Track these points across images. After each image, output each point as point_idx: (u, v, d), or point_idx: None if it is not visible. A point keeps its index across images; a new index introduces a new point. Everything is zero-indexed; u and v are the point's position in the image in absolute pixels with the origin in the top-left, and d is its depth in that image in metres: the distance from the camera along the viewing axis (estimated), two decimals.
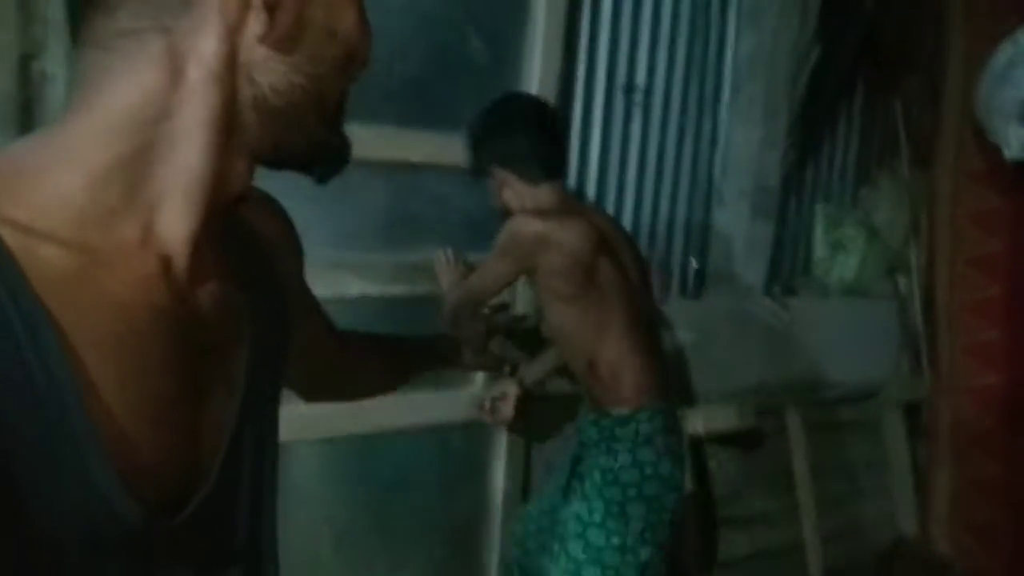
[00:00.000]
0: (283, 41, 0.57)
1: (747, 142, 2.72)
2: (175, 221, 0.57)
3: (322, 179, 0.66)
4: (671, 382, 1.99)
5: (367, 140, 1.93)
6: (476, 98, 2.06)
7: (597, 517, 1.76)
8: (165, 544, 0.55)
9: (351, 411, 2.04)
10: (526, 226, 1.78)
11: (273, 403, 0.71)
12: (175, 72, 0.55)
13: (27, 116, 1.62)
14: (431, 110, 2.05)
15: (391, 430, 2.13)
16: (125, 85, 0.54)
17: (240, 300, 0.65)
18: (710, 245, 2.82)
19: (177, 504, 0.56)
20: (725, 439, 2.64)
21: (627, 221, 2.62)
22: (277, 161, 0.62)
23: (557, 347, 1.97)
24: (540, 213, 1.80)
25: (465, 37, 2.08)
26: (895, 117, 3.23)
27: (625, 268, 1.86)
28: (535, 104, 1.95)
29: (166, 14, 0.54)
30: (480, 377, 2.26)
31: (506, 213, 1.91)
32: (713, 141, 2.78)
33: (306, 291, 0.88)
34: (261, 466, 0.66)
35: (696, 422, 2.56)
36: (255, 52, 0.57)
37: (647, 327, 1.90)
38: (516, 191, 1.84)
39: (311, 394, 1.02)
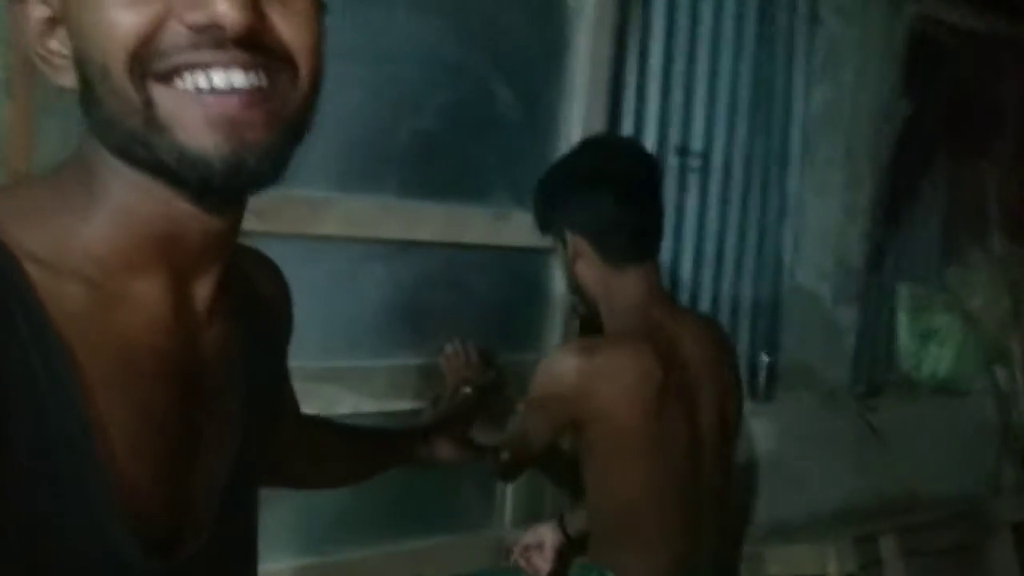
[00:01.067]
0: (72, 65, 0.58)
1: (825, 213, 2.28)
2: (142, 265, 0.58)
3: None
4: (718, 541, 1.48)
5: (364, 214, 1.52)
6: (503, 163, 1.66)
7: None
8: None
9: (346, 568, 1.58)
10: (566, 368, 1.34)
11: (260, 465, 0.71)
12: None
13: None
14: (446, 177, 1.62)
15: None
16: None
17: (242, 353, 0.66)
18: (782, 336, 2.35)
19: (169, 548, 0.57)
20: None
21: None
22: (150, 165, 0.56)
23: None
24: (589, 348, 1.36)
25: (491, 90, 1.66)
26: (985, 185, 2.79)
27: (698, 408, 1.39)
28: (635, 155, 1.48)
29: None
30: (507, 517, 1.78)
31: (578, 296, 1.47)
32: (781, 212, 2.34)
33: (285, 362, 0.84)
34: (251, 516, 0.70)
35: (776, 563, 2.06)
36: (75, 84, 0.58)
37: (705, 479, 1.42)
38: (592, 270, 1.39)
39: (275, 479, 0.88)
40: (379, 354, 1.57)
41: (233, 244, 0.64)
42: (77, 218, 0.56)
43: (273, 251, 1.42)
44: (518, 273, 1.68)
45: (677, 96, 2.10)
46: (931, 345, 2.60)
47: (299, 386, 1.45)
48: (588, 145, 1.48)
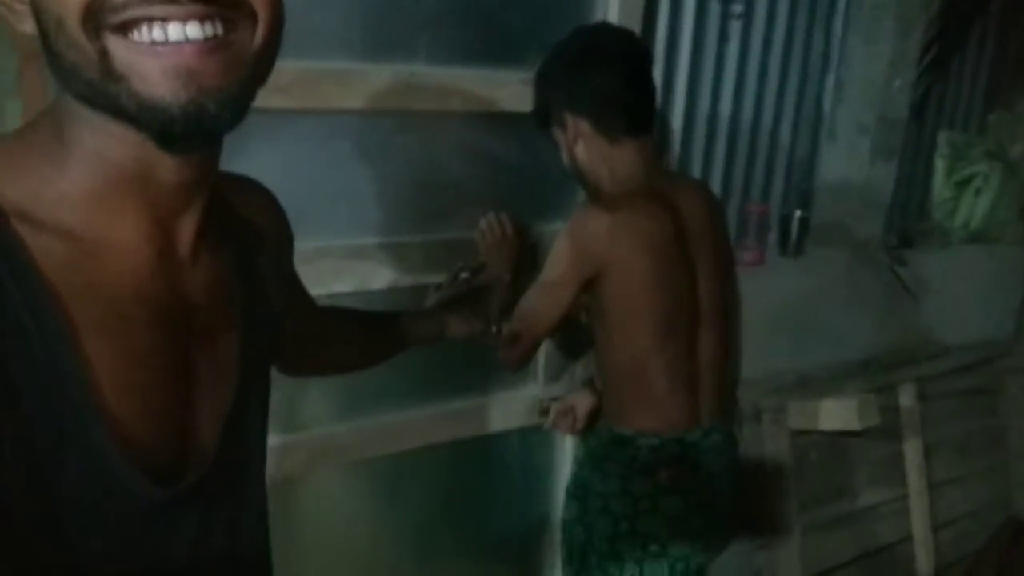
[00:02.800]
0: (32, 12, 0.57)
1: (870, 64, 2.17)
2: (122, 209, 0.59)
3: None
4: (723, 411, 1.59)
5: (391, 85, 1.46)
6: (539, 24, 1.57)
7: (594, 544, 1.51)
8: (164, 516, 0.59)
9: (387, 431, 1.64)
10: (591, 226, 1.41)
11: (264, 386, 0.75)
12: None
13: None
14: (477, 43, 1.54)
15: (435, 445, 1.72)
16: None
17: (233, 286, 0.68)
18: (817, 191, 2.31)
19: (172, 477, 0.59)
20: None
21: (719, 161, 2.12)
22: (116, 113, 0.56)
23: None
24: (608, 204, 1.43)
25: None
26: None
27: (697, 267, 1.48)
28: (625, 39, 1.51)
29: None
30: (540, 376, 1.82)
31: (576, 175, 1.51)
32: (825, 62, 2.23)
33: (292, 274, 0.91)
34: (253, 443, 0.71)
35: (798, 417, 2.12)
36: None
37: (710, 341, 1.52)
38: (593, 150, 1.46)
39: (294, 370, 1.04)
40: (413, 229, 1.56)
41: (209, 184, 0.64)
42: (54, 167, 0.57)
43: (300, 127, 1.40)
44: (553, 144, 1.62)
45: None
46: (967, 193, 2.54)
47: (334, 263, 1.47)
48: (581, 32, 1.49)
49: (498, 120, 1.59)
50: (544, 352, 1.81)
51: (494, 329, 1.35)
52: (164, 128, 0.54)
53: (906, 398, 2.41)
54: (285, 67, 1.30)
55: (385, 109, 1.46)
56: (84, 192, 0.58)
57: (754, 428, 2.12)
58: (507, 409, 1.79)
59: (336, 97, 1.41)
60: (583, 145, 1.45)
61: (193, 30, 0.53)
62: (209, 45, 0.54)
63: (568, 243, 1.42)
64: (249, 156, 1.39)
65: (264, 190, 0.83)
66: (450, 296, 1.39)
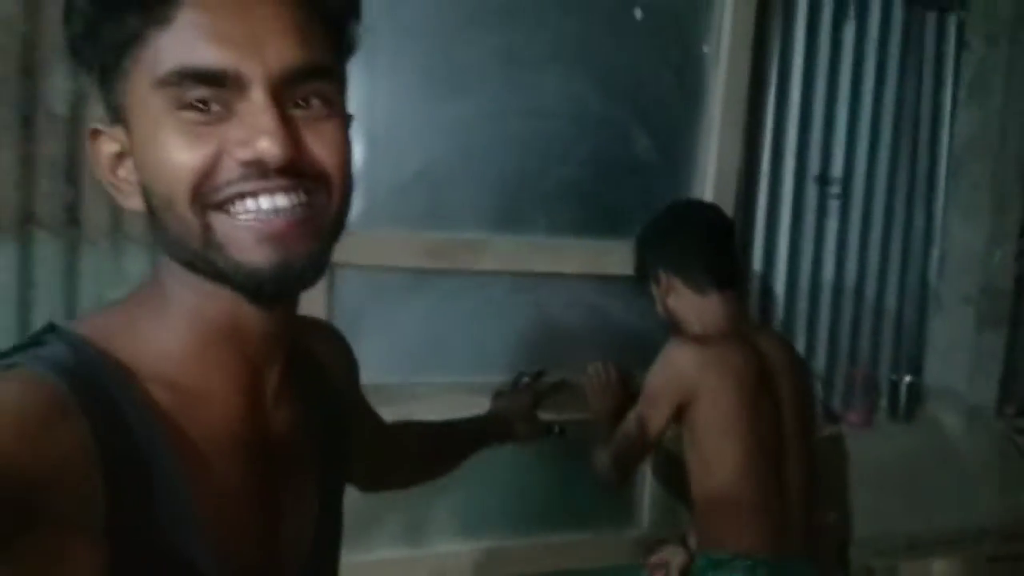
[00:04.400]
0: (140, 200, 0.65)
1: (970, 237, 2.30)
2: (225, 364, 0.67)
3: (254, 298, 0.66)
4: (812, 539, 1.69)
5: (516, 250, 1.75)
6: (642, 202, 1.85)
7: None
8: None
9: (496, 553, 1.83)
10: (680, 355, 1.61)
11: (339, 511, 0.81)
12: None
13: None
14: (591, 217, 1.83)
15: (547, 573, 1.88)
16: None
17: (310, 424, 0.74)
18: (926, 358, 2.39)
19: None
20: None
21: (823, 329, 2.27)
22: (219, 280, 0.64)
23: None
24: (697, 338, 1.65)
25: (631, 137, 1.86)
26: None
27: (781, 402, 1.65)
28: (710, 210, 1.79)
29: None
30: (644, 517, 1.97)
31: (672, 326, 1.73)
32: (927, 237, 2.38)
33: (360, 397, 0.99)
34: (334, 566, 0.78)
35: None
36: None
37: (793, 472, 1.65)
38: (684, 301, 1.70)
39: (371, 486, 1.12)
40: (531, 370, 1.80)
41: (290, 334, 0.72)
42: (159, 325, 0.65)
43: (440, 284, 1.70)
44: (652, 300, 1.86)
45: (817, 126, 2.20)
46: None
47: (453, 399, 1.72)
48: (674, 205, 1.78)
49: (606, 282, 1.84)
50: (648, 494, 1.97)
51: (557, 430, 1.53)
52: (258, 288, 0.62)
53: None
54: (431, 236, 1.64)
55: (509, 270, 1.76)
56: (185, 345, 0.65)
57: None
58: (613, 546, 1.93)
59: (470, 260, 1.72)
60: (674, 297, 1.69)
61: (281, 201, 0.61)
62: (295, 216, 0.61)
63: (660, 371, 1.62)
64: (398, 306, 1.71)
65: (333, 329, 0.92)
66: (512, 399, 1.52)
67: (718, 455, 1.59)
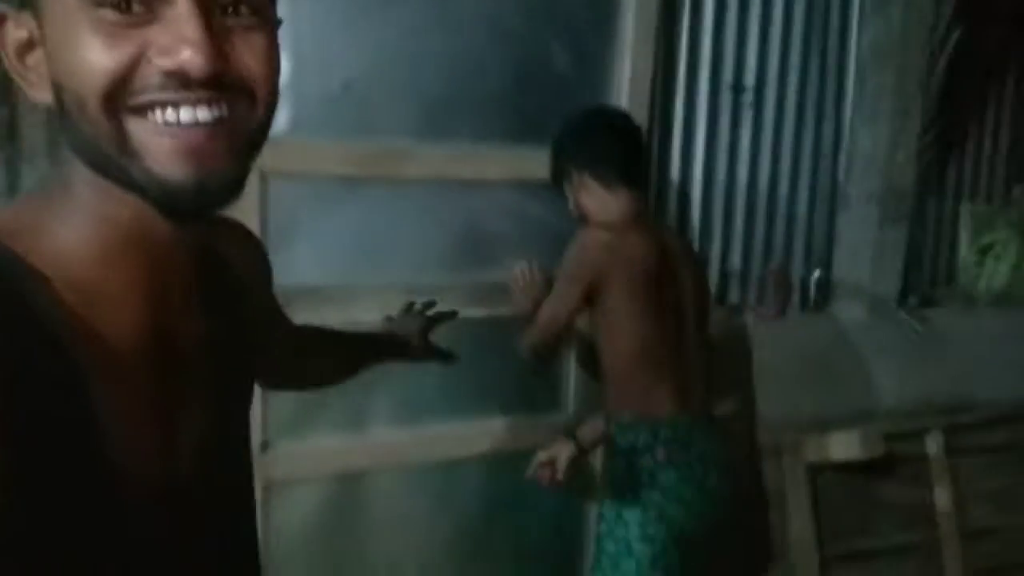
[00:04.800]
0: (51, 95, 0.62)
1: (875, 141, 2.46)
2: (125, 263, 0.65)
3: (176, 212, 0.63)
4: (706, 399, 1.90)
5: (441, 158, 1.87)
6: (560, 111, 1.96)
7: (609, 523, 1.81)
8: (157, 519, 0.64)
9: (431, 439, 1.99)
10: (591, 239, 1.77)
11: (244, 406, 0.81)
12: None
13: None
14: (510, 125, 1.95)
15: (478, 456, 2.05)
16: None
17: (214, 326, 0.73)
18: (835, 254, 2.57)
19: (161, 477, 0.66)
20: (850, 468, 2.40)
21: (738, 229, 2.43)
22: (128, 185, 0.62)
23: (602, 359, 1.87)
24: (606, 226, 1.78)
25: (549, 50, 1.96)
26: None
27: (680, 288, 1.83)
28: (619, 115, 1.92)
29: None
30: (570, 403, 2.15)
31: (584, 221, 1.87)
32: (836, 142, 2.53)
33: (272, 299, 0.98)
34: (234, 460, 0.78)
35: (812, 450, 2.35)
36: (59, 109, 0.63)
37: (691, 347, 1.85)
38: (594, 196, 1.84)
39: (273, 383, 1.21)
40: (458, 272, 1.94)
41: (199, 240, 0.71)
42: (62, 225, 0.62)
43: (369, 192, 1.81)
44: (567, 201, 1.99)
45: (730, 36, 2.32)
46: (989, 260, 2.74)
47: (385, 298, 1.84)
48: (586, 111, 1.89)
49: (527, 187, 1.97)
50: (573, 382, 2.14)
51: (447, 353, 1.49)
52: (170, 202, 0.60)
53: (933, 446, 2.58)
54: (359, 145, 1.75)
55: (434, 177, 1.87)
56: (89, 248, 0.62)
57: (774, 463, 2.36)
58: (542, 430, 2.10)
59: (397, 168, 1.83)
60: (585, 193, 1.83)
61: (202, 113, 0.58)
62: (216, 128, 0.59)
63: (573, 254, 1.77)
64: (329, 212, 1.82)
65: (245, 231, 0.90)
66: (403, 323, 1.50)
67: (623, 330, 1.76)
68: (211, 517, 0.71)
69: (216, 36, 0.57)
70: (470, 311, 1.94)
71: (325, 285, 1.82)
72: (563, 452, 1.86)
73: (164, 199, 0.59)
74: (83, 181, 0.62)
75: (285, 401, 1.81)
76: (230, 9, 0.59)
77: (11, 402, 0.54)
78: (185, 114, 0.58)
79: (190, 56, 0.55)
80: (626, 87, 2.03)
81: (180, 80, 0.56)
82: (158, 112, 0.57)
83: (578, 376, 2.14)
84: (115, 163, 0.59)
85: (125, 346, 0.62)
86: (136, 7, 0.56)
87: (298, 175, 1.77)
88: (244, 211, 1.70)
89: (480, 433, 2.05)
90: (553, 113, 1.96)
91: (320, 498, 1.92)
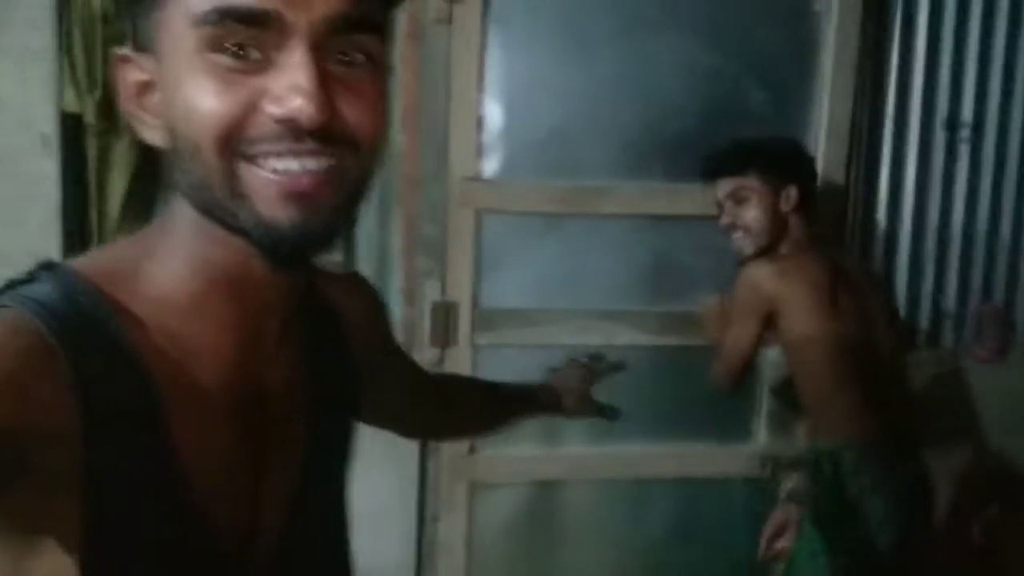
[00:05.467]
0: (164, 139, 0.63)
1: None
2: (222, 309, 0.65)
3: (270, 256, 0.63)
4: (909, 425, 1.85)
5: (636, 195, 2.02)
6: None
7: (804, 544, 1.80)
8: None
9: (622, 457, 2.12)
10: (758, 271, 1.82)
11: (339, 464, 0.79)
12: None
13: None
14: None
15: (668, 478, 2.16)
16: None
17: (311, 375, 0.73)
18: None
19: (245, 540, 0.66)
20: None
21: (952, 270, 2.36)
22: (236, 230, 0.62)
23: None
24: (772, 257, 1.83)
25: (744, 91, 2.06)
26: None
27: (866, 309, 1.82)
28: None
29: None
30: (761, 433, 2.19)
31: (761, 231, 1.88)
32: None
33: (389, 343, 0.97)
34: (326, 521, 0.76)
35: None
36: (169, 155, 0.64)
37: (883, 368, 1.83)
38: (787, 214, 1.86)
39: (412, 432, 1.22)
40: (651, 301, 2.08)
41: (298, 287, 0.70)
42: (162, 269, 0.63)
43: (570, 226, 2.00)
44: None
45: (945, 70, 2.28)
46: None
47: (584, 323, 2.01)
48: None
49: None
50: (764, 412, 2.18)
51: (608, 411, 1.38)
52: (275, 245, 0.60)
53: None
54: (561, 184, 1.94)
55: (629, 213, 2.03)
56: (186, 292, 0.63)
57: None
58: (730, 458, 2.17)
59: (594, 204, 2.01)
60: (778, 207, 1.84)
61: (311, 164, 0.58)
62: (322, 177, 0.59)
63: (739, 291, 1.84)
64: (534, 244, 2.03)
65: (358, 279, 0.90)
66: (567, 375, 1.37)
67: (811, 357, 1.78)
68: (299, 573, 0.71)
69: (328, 85, 0.57)
70: (662, 339, 2.07)
71: (528, 309, 2.02)
72: (791, 517, 1.88)
73: (268, 241, 0.60)
74: (187, 223, 0.63)
75: None
76: (344, 56, 0.59)
77: (94, 440, 0.55)
78: (293, 164, 0.58)
79: (301, 105, 0.56)
80: (824, 124, 2.07)
81: (291, 130, 0.57)
82: (268, 161, 0.58)
83: (769, 405, 2.18)
84: (224, 206, 0.59)
85: (213, 391, 0.63)
86: (253, 53, 0.57)
87: (508, 212, 1.99)
88: (461, 243, 1.95)
89: (670, 456, 2.15)
90: None
91: (518, 502, 2.12)
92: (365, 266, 2.01)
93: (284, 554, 0.69)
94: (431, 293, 1.99)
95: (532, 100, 1.98)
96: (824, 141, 2.07)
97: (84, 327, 0.57)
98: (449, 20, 1.88)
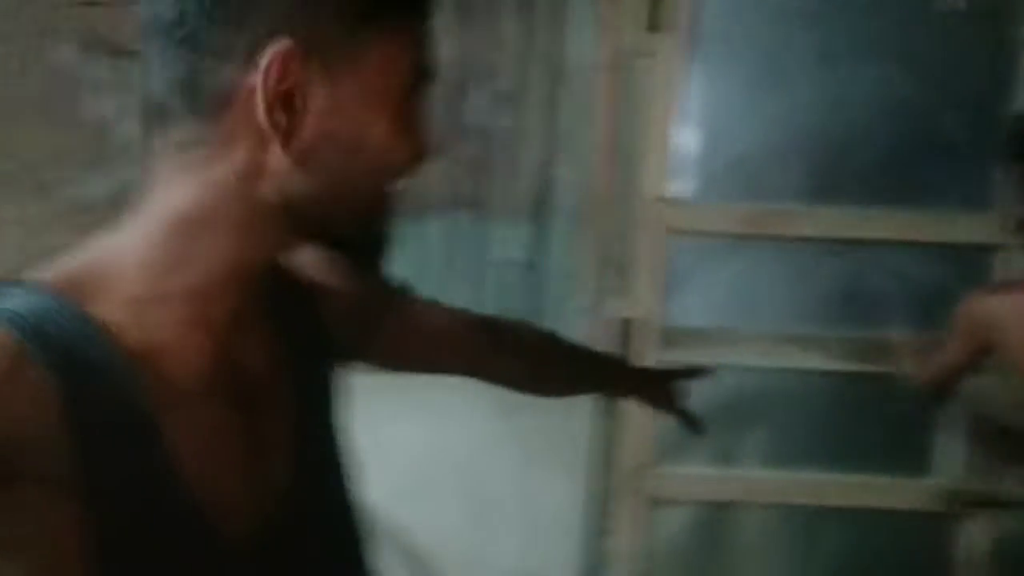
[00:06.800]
0: (302, 156, 0.59)
1: None
2: (219, 305, 0.64)
3: (361, 263, 0.68)
4: None
5: (824, 219, 2.03)
6: (949, 176, 2.04)
7: None
8: (243, 565, 0.65)
9: (803, 483, 2.12)
10: (987, 302, 1.74)
11: (329, 425, 0.78)
12: (211, 182, 0.60)
13: (543, 212, 2.07)
14: (899, 189, 2.05)
15: (844, 506, 2.14)
16: (176, 191, 0.60)
17: (290, 352, 0.73)
18: None
19: (244, 524, 0.65)
20: None
21: None
22: (321, 245, 0.66)
23: None
24: (1002, 288, 1.74)
25: (940, 118, 2.04)
26: None
27: None
28: None
29: (208, 131, 0.59)
30: (944, 466, 2.15)
31: None
32: None
33: (398, 299, 0.96)
34: (330, 481, 0.76)
35: None
36: (280, 164, 0.59)
37: None
38: None
39: (494, 379, 1.11)
40: (833, 326, 2.08)
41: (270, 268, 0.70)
42: (142, 272, 0.61)
43: (756, 249, 2.03)
44: (958, 266, 2.04)
45: None
46: None
47: (766, 345, 2.03)
48: None
49: (912, 248, 2.06)
50: (945, 448, 2.14)
51: (688, 418, 1.31)
52: (374, 252, 0.67)
53: None
54: (750, 207, 1.98)
55: (819, 236, 2.04)
56: (175, 292, 0.62)
57: None
58: (909, 492, 2.14)
59: (786, 227, 2.03)
60: None
61: None
62: None
63: (956, 317, 1.77)
64: (720, 265, 2.07)
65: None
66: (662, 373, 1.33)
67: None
68: (308, 560, 0.70)
69: None
70: (844, 364, 2.06)
71: (711, 329, 2.06)
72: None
73: (368, 247, 0.68)
74: (223, 223, 0.61)
75: (668, 428, 2.07)
76: None
77: (90, 468, 0.55)
78: None
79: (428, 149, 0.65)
80: None
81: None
82: None
83: (948, 441, 2.13)
84: (346, 222, 0.64)
85: (197, 382, 0.63)
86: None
87: (695, 232, 2.04)
88: (648, 263, 2.01)
89: (847, 485, 2.13)
90: (942, 179, 2.04)
91: (692, 520, 2.15)
92: (553, 284, 2.10)
93: (286, 534, 0.68)
94: (616, 310, 2.05)
95: (726, 126, 2.02)
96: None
97: (59, 329, 0.57)
98: (651, 51, 1.95)
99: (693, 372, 1.29)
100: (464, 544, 2.11)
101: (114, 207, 0.62)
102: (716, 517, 2.15)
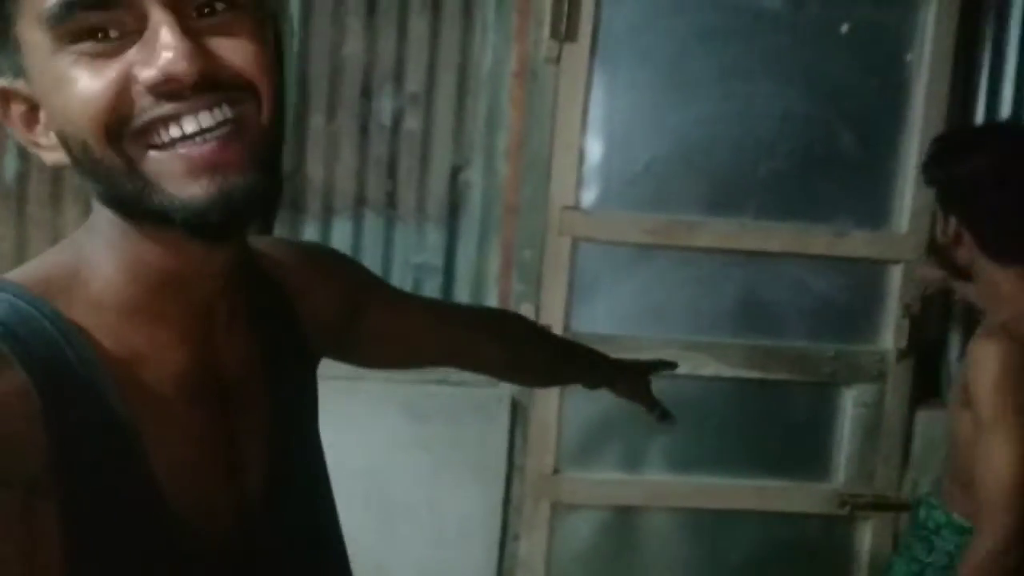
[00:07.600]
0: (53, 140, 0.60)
1: None
2: (176, 306, 0.64)
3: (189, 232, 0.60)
4: None
5: (726, 231, 2.09)
6: (842, 190, 2.12)
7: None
8: (226, 568, 0.65)
9: (706, 487, 2.17)
10: (1000, 353, 1.41)
11: (305, 428, 0.78)
12: None
13: (453, 216, 2.08)
14: (795, 203, 2.13)
15: (745, 510, 2.19)
16: None
17: (266, 355, 0.72)
18: None
19: (219, 521, 0.65)
20: None
21: None
22: (152, 221, 0.61)
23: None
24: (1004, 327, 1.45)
25: (835, 136, 2.13)
26: None
27: None
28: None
29: None
30: (840, 472, 2.22)
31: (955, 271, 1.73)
32: None
33: (378, 295, 0.95)
34: (307, 480, 0.76)
35: None
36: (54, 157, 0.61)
37: None
38: (974, 258, 1.53)
39: (473, 367, 1.16)
40: (735, 335, 2.14)
41: (240, 266, 0.68)
42: (96, 274, 0.62)
43: (660, 258, 2.08)
44: (852, 280, 2.12)
45: None
46: None
47: (670, 352, 2.07)
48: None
49: (808, 261, 2.13)
50: (845, 451, 2.21)
51: (659, 412, 1.31)
52: (199, 223, 0.57)
53: None
54: (654, 217, 2.02)
55: (720, 248, 2.10)
56: (126, 295, 0.62)
57: None
58: (808, 496, 2.20)
59: (687, 238, 2.08)
60: (966, 251, 1.53)
61: (205, 119, 0.56)
62: (224, 135, 0.57)
63: (993, 381, 1.41)
64: (626, 274, 2.11)
65: (315, 252, 0.90)
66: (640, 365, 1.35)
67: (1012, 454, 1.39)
68: (287, 562, 0.71)
69: (195, 37, 0.55)
70: (746, 372, 2.12)
71: (617, 335, 2.09)
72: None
73: (191, 221, 0.57)
74: (111, 227, 0.61)
75: (575, 434, 2.10)
76: (206, 10, 0.57)
77: (67, 470, 0.55)
78: (188, 124, 0.56)
79: (170, 60, 0.54)
80: (912, 172, 2.12)
81: (170, 90, 0.55)
82: (162, 132, 0.56)
83: (850, 445, 2.20)
84: (136, 198, 0.58)
85: (171, 386, 0.63)
86: (112, 32, 0.55)
87: (601, 242, 2.08)
88: (556, 270, 2.04)
89: (749, 490, 2.19)
90: (836, 193, 2.13)
91: (599, 525, 2.17)
92: (462, 288, 2.11)
93: (261, 537, 0.68)
94: (525, 315, 2.06)
95: (631, 136, 2.07)
96: (912, 187, 2.12)
97: (32, 333, 0.57)
98: (558, 60, 1.99)
99: (667, 365, 1.35)
100: (372, 551, 2.09)
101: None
102: (622, 521, 2.17)
